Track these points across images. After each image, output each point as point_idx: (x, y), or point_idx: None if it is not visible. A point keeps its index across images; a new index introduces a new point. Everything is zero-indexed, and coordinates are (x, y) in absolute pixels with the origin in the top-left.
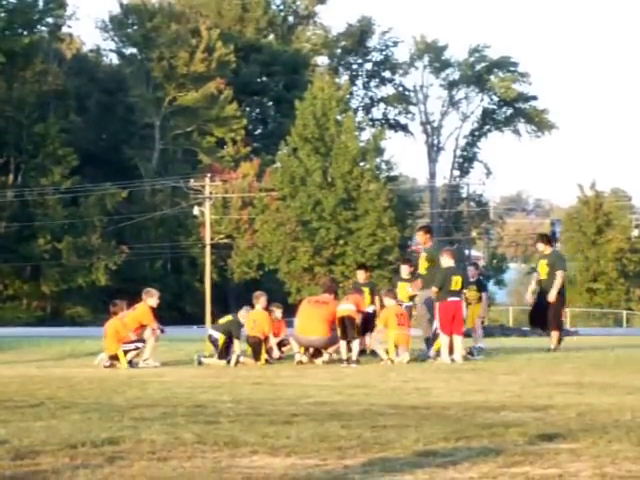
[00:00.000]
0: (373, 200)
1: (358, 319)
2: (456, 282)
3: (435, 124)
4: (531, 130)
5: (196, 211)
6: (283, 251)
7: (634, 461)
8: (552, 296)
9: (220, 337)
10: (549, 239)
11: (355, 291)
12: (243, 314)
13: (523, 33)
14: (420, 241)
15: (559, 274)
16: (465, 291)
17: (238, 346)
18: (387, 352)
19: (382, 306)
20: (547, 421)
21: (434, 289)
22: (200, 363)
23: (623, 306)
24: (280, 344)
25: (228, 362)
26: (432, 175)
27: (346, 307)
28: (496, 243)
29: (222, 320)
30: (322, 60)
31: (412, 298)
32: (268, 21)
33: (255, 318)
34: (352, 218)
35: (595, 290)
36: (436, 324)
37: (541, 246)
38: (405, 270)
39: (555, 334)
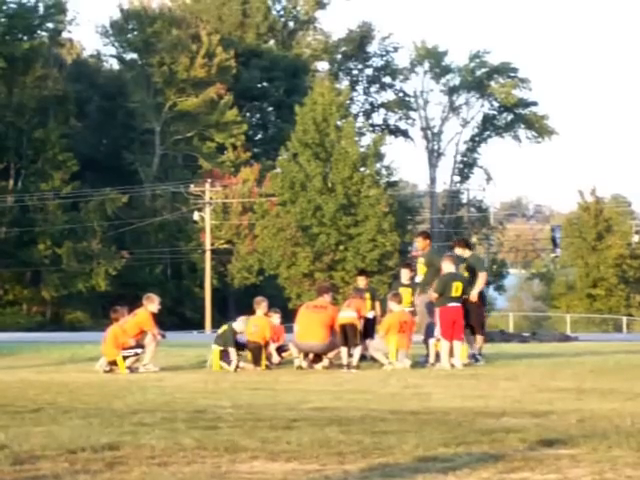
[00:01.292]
0: (373, 205)
1: (360, 325)
2: (456, 288)
3: (435, 130)
4: (531, 136)
5: (196, 216)
6: (283, 256)
7: (634, 467)
8: (474, 295)
9: (215, 348)
10: (467, 243)
11: (356, 294)
12: (240, 325)
13: (523, 39)
14: (419, 247)
15: (481, 275)
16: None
17: (233, 353)
18: (387, 357)
19: (383, 312)
20: (547, 427)
21: (434, 295)
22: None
23: (623, 312)
24: (280, 349)
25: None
26: (432, 180)
27: (347, 315)
28: (496, 249)
29: (220, 331)
30: (322, 65)
31: (413, 303)
32: (268, 26)
33: (256, 323)
34: (352, 223)
35: (595, 296)
36: (436, 330)
37: (459, 250)
38: (405, 274)
39: (480, 338)
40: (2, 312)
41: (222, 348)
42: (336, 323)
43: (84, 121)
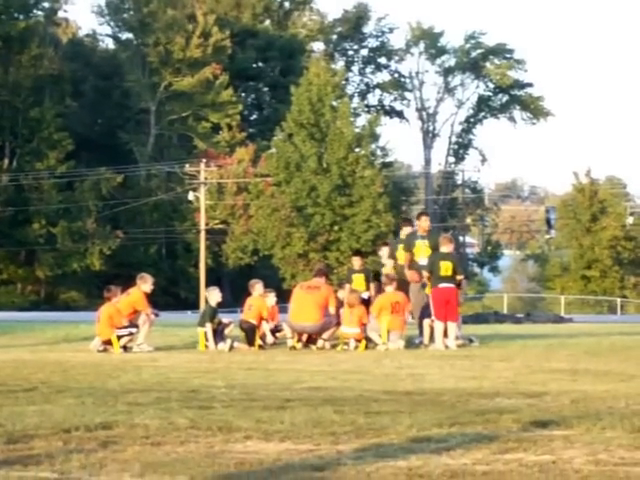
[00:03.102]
0: (368, 186)
1: (363, 335)
2: (446, 268)
3: (430, 110)
4: (526, 117)
5: (191, 196)
6: (278, 237)
7: (627, 448)
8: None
9: (199, 330)
10: (411, 222)
11: (356, 297)
12: (213, 296)
13: (519, 20)
14: (425, 226)
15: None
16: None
17: (209, 330)
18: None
19: (377, 292)
20: (541, 408)
21: (425, 274)
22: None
23: (617, 293)
24: (274, 330)
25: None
26: (427, 161)
27: (352, 331)
28: (491, 230)
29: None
30: (318, 46)
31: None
32: (264, 7)
33: (251, 303)
34: (347, 204)
35: (589, 277)
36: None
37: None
38: (385, 253)
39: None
40: None
41: (205, 329)
42: (330, 302)
43: (79, 100)
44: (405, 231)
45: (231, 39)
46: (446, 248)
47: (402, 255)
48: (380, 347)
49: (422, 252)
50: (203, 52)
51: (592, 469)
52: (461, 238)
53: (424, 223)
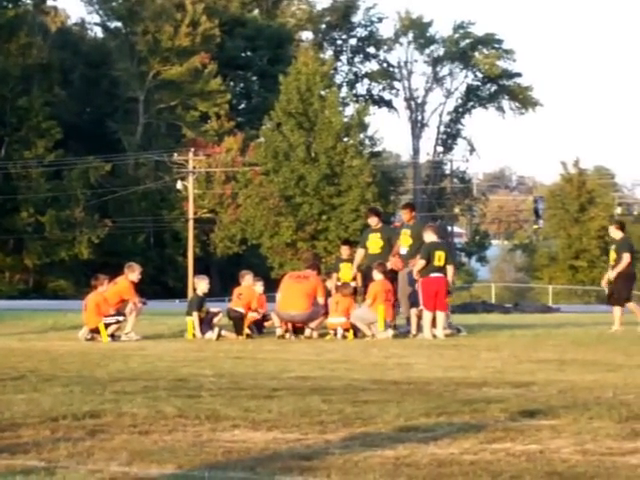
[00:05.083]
0: (356, 176)
1: (349, 325)
2: (439, 257)
3: (419, 100)
4: (515, 107)
5: (179, 185)
6: (266, 226)
7: (615, 438)
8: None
9: (188, 319)
10: (378, 212)
11: (345, 289)
12: (202, 286)
13: (508, 10)
14: (404, 218)
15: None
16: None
17: (196, 318)
18: (369, 327)
19: (366, 281)
20: (528, 398)
21: (421, 261)
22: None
23: None
24: (262, 319)
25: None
26: (415, 151)
27: (338, 321)
28: (479, 220)
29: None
30: (306, 35)
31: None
32: None
33: (241, 292)
34: (335, 193)
35: (577, 267)
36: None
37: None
38: (345, 251)
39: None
40: None
41: (193, 318)
42: (319, 292)
43: (68, 89)
44: (372, 221)
45: (220, 28)
46: (434, 237)
47: (406, 241)
48: (368, 337)
49: (402, 241)
50: (192, 41)
51: (579, 459)
52: (449, 228)
53: (404, 215)
